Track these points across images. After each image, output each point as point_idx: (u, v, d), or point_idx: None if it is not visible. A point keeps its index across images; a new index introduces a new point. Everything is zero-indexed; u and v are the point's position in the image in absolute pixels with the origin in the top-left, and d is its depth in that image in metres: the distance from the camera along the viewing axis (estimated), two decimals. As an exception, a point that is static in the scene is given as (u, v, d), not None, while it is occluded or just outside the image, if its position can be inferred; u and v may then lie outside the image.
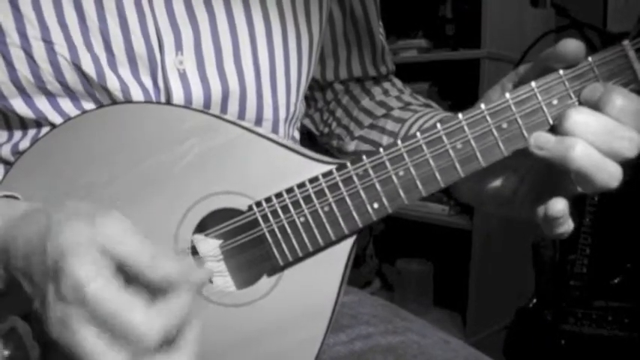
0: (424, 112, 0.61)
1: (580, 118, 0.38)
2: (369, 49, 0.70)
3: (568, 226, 0.41)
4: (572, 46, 0.39)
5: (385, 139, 0.64)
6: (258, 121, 0.56)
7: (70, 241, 0.33)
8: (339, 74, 0.71)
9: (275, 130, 0.57)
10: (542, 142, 0.40)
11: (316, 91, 0.74)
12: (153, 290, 0.34)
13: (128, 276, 0.34)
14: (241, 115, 0.54)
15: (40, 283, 0.34)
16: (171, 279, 0.34)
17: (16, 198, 0.45)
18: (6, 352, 0.41)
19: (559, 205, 0.40)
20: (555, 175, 0.43)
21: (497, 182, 0.47)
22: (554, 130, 0.40)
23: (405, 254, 2.04)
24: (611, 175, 0.39)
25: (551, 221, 0.41)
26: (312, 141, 0.74)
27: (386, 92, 0.71)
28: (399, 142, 0.43)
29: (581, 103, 0.40)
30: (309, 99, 0.75)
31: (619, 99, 0.38)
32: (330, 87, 0.72)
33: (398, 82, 0.74)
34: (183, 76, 0.50)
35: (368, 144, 0.67)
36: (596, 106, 0.39)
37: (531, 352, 1.44)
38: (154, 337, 0.32)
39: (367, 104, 0.69)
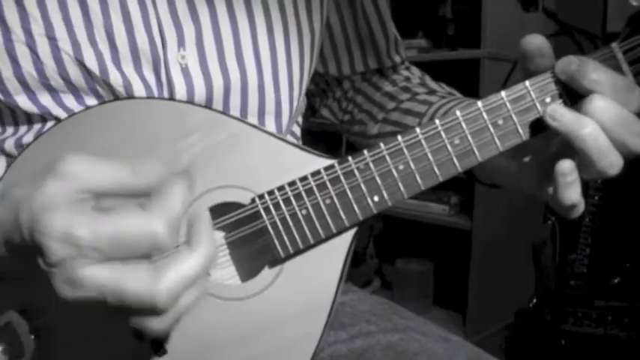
0: (450, 99, 0.61)
1: (602, 104, 0.39)
2: (384, 40, 0.70)
3: (577, 190, 0.42)
4: (532, 42, 0.41)
5: (410, 120, 0.64)
6: (261, 114, 0.56)
7: (40, 202, 0.32)
8: (355, 68, 0.71)
9: (278, 123, 0.58)
10: (558, 114, 0.41)
11: (333, 84, 0.74)
12: (143, 201, 0.33)
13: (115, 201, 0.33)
14: (244, 108, 0.55)
15: (31, 260, 0.33)
16: (157, 178, 0.33)
17: None
18: (1, 348, 0.41)
19: (566, 163, 0.41)
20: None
21: (512, 163, 0.48)
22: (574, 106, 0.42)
23: (404, 254, 2.04)
24: (611, 164, 0.40)
25: (559, 179, 0.41)
26: (310, 136, 0.74)
27: (407, 79, 0.71)
28: (399, 137, 0.44)
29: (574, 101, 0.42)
30: (326, 91, 0.75)
31: (596, 73, 0.39)
32: (346, 79, 0.73)
33: (416, 70, 0.74)
34: (185, 71, 0.51)
35: (391, 125, 0.66)
36: (574, 78, 0.40)
37: (531, 352, 1.44)
38: (162, 234, 0.32)
39: (390, 89, 0.70)
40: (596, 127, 0.39)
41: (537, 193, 0.45)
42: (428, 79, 0.72)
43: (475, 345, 0.60)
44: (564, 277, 1.41)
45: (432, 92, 0.67)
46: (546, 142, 0.45)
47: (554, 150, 0.45)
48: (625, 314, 1.34)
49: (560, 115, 0.41)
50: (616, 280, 1.41)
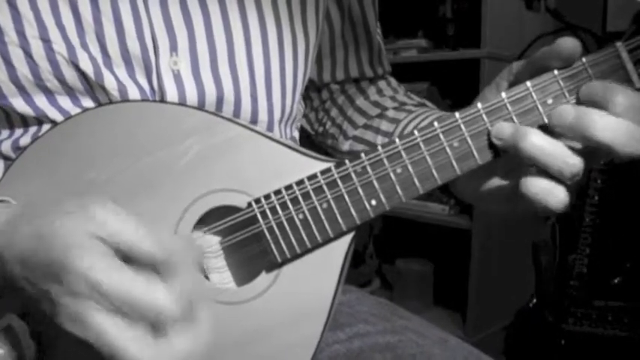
0: (418, 113, 0.62)
1: (537, 141, 0.39)
2: (367, 49, 0.70)
3: (561, 195, 0.40)
4: (568, 44, 0.40)
5: (380, 139, 0.64)
6: (253, 122, 0.56)
7: (67, 236, 0.33)
8: (336, 75, 0.71)
9: (270, 131, 0.57)
10: (501, 132, 0.41)
11: (312, 91, 0.74)
12: (157, 269, 0.34)
13: (129, 259, 0.34)
14: (236, 117, 0.54)
15: (43, 285, 0.34)
16: (176, 252, 0.34)
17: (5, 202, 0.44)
18: (1, 351, 0.41)
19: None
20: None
21: (496, 180, 0.47)
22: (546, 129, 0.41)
23: (404, 254, 2.04)
24: (569, 169, 0.39)
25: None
26: (310, 140, 0.74)
27: (380, 92, 0.71)
28: (396, 139, 0.44)
29: (579, 102, 0.41)
30: (305, 98, 0.75)
31: (620, 97, 0.38)
32: (326, 87, 0.73)
33: (393, 81, 0.74)
34: (177, 77, 0.50)
35: (362, 144, 0.67)
36: (597, 104, 0.39)
37: (531, 352, 1.44)
38: (173, 309, 0.33)
39: (361, 104, 0.70)
40: (537, 133, 0.39)
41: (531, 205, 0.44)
42: (401, 92, 0.72)
43: (475, 345, 0.59)
44: (564, 277, 1.41)
45: (401, 106, 0.67)
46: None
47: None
48: (625, 314, 1.34)
49: (502, 133, 0.41)
50: (616, 280, 1.41)
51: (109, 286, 0.32)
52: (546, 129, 0.41)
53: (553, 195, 0.40)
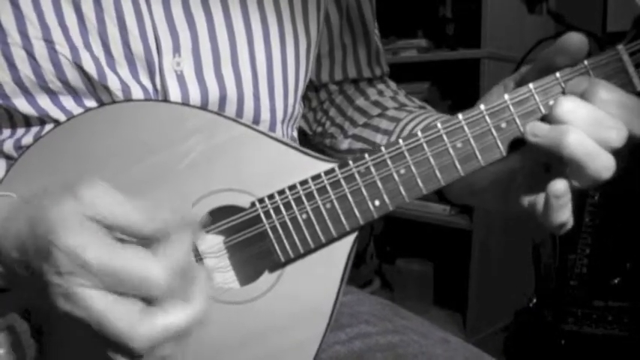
0: (419, 113, 0.62)
1: (569, 106, 0.39)
2: (365, 50, 0.70)
3: (568, 212, 0.41)
4: (575, 40, 0.40)
5: (379, 138, 0.64)
6: (255, 122, 0.56)
7: (57, 217, 0.33)
8: (334, 75, 0.71)
9: (272, 130, 0.58)
10: (537, 130, 0.40)
11: (310, 91, 0.74)
12: (149, 243, 0.34)
13: (121, 237, 0.34)
14: (238, 116, 0.54)
15: (36, 266, 0.35)
16: (167, 226, 0.34)
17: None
18: (2, 351, 0.41)
19: (559, 184, 0.40)
20: (550, 171, 0.43)
21: (489, 179, 0.47)
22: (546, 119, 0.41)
23: (405, 254, 2.04)
24: (604, 164, 0.39)
25: (552, 202, 0.40)
26: (307, 140, 0.74)
27: (380, 93, 0.71)
28: (400, 140, 0.44)
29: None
30: (303, 99, 0.75)
31: (603, 91, 0.39)
32: (324, 87, 0.73)
33: (392, 84, 0.74)
34: (180, 78, 0.50)
35: (361, 142, 0.67)
36: (581, 97, 0.40)
37: (531, 352, 1.44)
38: (164, 281, 0.32)
39: (362, 104, 0.70)
40: (577, 131, 0.39)
41: (527, 210, 0.44)
42: (401, 94, 0.72)
43: (475, 345, 0.60)
44: (564, 277, 1.41)
45: (401, 107, 0.67)
46: (525, 160, 0.44)
47: (543, 165, 0.44)
48: (625, 314, 1.34)
49: (539, 129, 0.40)
50: (616, 280, 1.41)
51: (97, 263, 0.32)
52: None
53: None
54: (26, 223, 0.35)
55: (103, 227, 0.34)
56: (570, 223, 0.42)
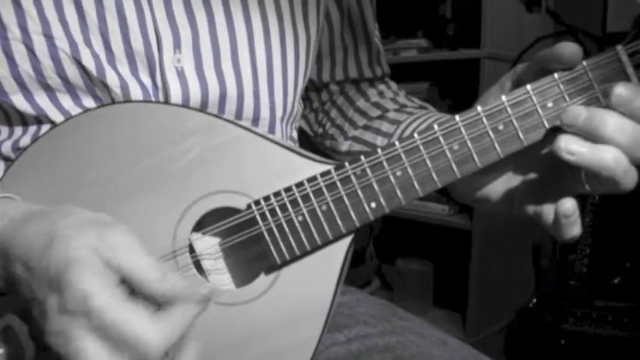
0: (419, 115, 0.62)
1: (617, 123, 0.38)
2: (366, 50, 0.70)
3: (578, 227, 0.41)
4: (569, 48, 0.39)
5: (380, 140, 0.64)
6: (255, 120, 0.56)
7: (75, 252, 0.33)
8: (335, 75, 0.71)
9: (272, 128, 0.58)
10: (574, 148, 0.38)
11: (311, 91, 0.74)
12: (156, 303, 0.34)
13: (131, 289, 0.34)
14: (238, 114, 0.54)
15: (40, 292, 0.35)
16: (177, 291, 0.34)
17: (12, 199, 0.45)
18: (1, 350, 0.41)
19: (568, 204, 0.40)
20: (559, 176, 0.43)
21: (495, 182, 0.47)
22: (556, 130, 0.40)
23: (404, 254, 2.04)
24: (633, 179, 0.39)
25: (562, 221, 0.40)
26: (309, 141, 0.74)
27: (381, 94, 0.71)
28: (396, 142, 0.43)
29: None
30: (304, 99, 0.75)
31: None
32: (325, 88, 0.73)
33: (393, 85, 0.74)
34: (180, 74, 0.50)
35: (361, 144, 0.67)
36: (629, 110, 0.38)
37: (531, 352, 1.44)
38: (157, 347, 0.33)
39: (362, 105, 0.70)
40: (616, 151, 0.38)
41: (534, 218, 0.44)
42: (402, 95, 0.72)
43: (475, 345, 0.59)
44: (564, 277, 1.41)
45: (402, 108, 0.66)
46: (537, 161, 0.44)
47: (550, 170, 0.44)
48: (625, 314, 1.34)
49: (577, 147, 0.38)
50: (616, 280, 1.41)
51: (103, 312, 0.32)
52: (549, 132, 0.41)
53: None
54: (41, 242, 0.35)
55: (117, 276, 0.34)
56: (579, 231, 0.41)
